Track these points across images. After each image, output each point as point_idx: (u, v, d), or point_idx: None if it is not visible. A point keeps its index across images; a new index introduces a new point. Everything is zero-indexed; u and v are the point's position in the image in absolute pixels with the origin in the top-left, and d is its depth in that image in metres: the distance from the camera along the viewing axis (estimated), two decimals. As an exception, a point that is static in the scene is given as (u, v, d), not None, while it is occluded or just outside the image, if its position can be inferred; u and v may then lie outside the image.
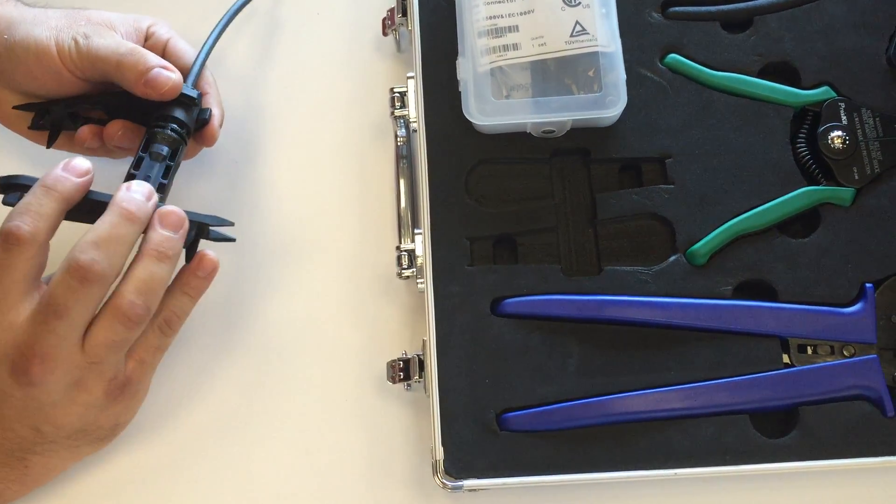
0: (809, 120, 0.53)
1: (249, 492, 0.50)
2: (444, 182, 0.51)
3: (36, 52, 0.47)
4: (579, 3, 0.51)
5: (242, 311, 0.53)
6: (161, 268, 0.43)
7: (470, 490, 0.47)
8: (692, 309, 0.49)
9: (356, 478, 0.50)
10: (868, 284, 0.50)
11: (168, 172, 0.48)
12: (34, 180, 0.44)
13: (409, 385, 0.50)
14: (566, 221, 0.52)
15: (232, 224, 0.49)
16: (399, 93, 0.54)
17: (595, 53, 0.51)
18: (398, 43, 0.57)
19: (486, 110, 0.50)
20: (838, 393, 0.48)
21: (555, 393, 0.48)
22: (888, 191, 0.51)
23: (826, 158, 0.51)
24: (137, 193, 0.44)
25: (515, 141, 0.52)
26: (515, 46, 0.51)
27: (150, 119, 0.49)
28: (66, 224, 0.44)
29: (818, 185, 0.51)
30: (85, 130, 0.50)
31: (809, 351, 0.49)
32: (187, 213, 0.46)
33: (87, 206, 0.44)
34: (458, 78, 0.51)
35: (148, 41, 0.51)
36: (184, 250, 0.47)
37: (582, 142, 0.52)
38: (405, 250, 0.51)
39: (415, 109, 0.53)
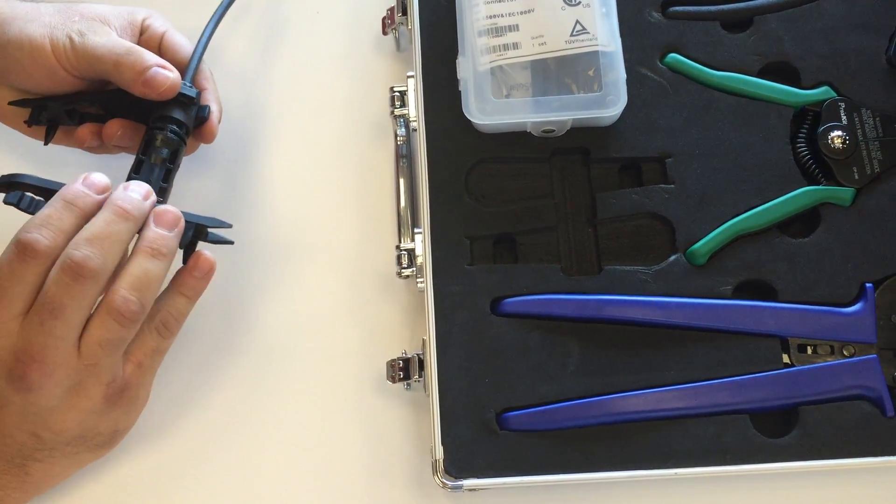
0: (809, 120, 0.53)
1: (250, 492, 0.49)
2: (443, 181, 0.51)
3: (30, 51, 0.47)
4: (579, 2, 0.51)
5: (241, 310, 0.53)
6: (155, 265, 0.43)
7: (470, 489, 0.47)
8: (692, 308, 0.49)
9: (356, 477, 0.50)
10: (868, 284, 0.50)
11: (168, 175, 0.48)
12: (35, 179, 0.44)
13: (408, 384, 0.49)
14: (566, 221, 0.52)
15: (230, 226, 0.49)
16: (399, 92, 0.54)
17: (595, 53, 0.51)
18: (398, 42, 0.57)
19: (486, 109, 0.50)
20: (838, 393, 0.48)
21: (555, 392, 0.48)
22: (888, 190, 0.51)
23: (826, 158, 0.51)
24: (134, 192, 0.44)
25: (515, 140, 0.52)
26: (515, 45, 0.51)
27: (149, 118, 0.49)
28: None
29: (818, 184, 0.51)
30: (84, 131, 0.50)
31: (809, 351, 0.49)
32: (185, 214, 0.46)
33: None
34: (458, 77, 0.51)
35: (143, 35, 0.50)
36: (181, 252, 0.47)
37: (582, 141, 0.52)
38: (405, 249, 0.51)
39: (415, 108, 0.53)
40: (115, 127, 0.49)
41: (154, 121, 0.48)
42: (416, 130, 0.53)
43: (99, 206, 0.43)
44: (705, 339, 0.49)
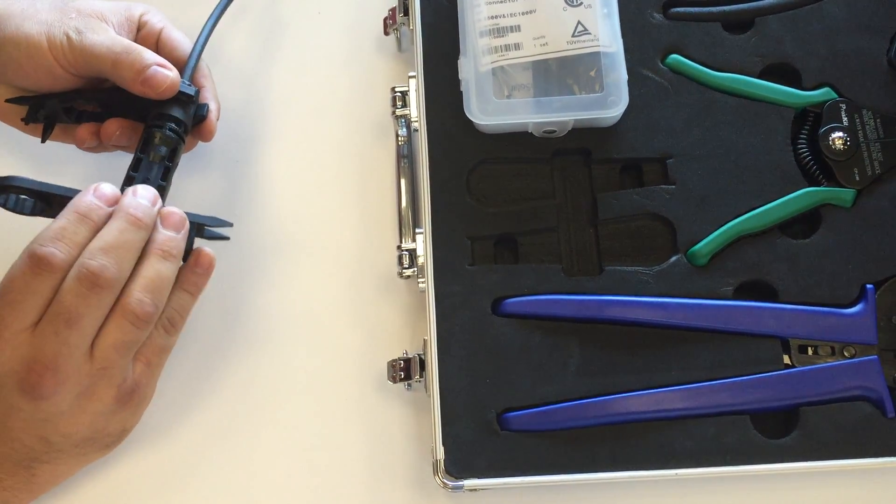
0: (810, 121, 0.53)
1: (250, 491, 0.49)
2: (445, 181, 0.51)
3: (27, 49, 0.46)
4: (581, 3, 0.51)
5: (243, 310, 0.53)
6: (166, 266, 0.44)
7: (470, 490, 0.47)
8: (693, 309, 0.49)
9: (357, 477, 0.50)
10: (869, 285, 0.50)
11: (167, 174, 0.48)
12: (28, 182, 0.44)
13: (409, 385, 0.49)
14: (567, 221, 0.52)
15: (230, 225, 0.49)
16: (400, 92, 0.54)
17: (597, 53, 0.51)
18: (399, 42, 0.57)
19: (487, 110, 0.50)
20: (839, 394, 0.48)
21: (555, 393, 0.48)
22: (889, 192, 0.51)
23: (827, 159, 0.51)
24: (143, 199, 0.44)
25: (517, 141, 0.52)
26: (517, 46, 0.51)
27: (148, 116, 0.48)
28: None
29: (819, 185, 0.51)
30: (83, 131, 0.50)
31: (810, 351, 0.49)
32: (186, 213, 0.46)
33: (56, 202, 0.44)
34: (460, 77, 0.51)
35: (141, 31, 0.50)
36: None
37: (583, 142, 0.52)
38: (406, 250, 0.51)
39: (416, 109, 0.53)
40: (113, 126, 0.49)
41: (152, 119, 0.48)
42: (417, 131, 0.53)
43: (109, 217, 0.43)
44: (706, 339, 0.49)
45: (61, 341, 0.41)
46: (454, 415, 0.47)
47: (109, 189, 0.44)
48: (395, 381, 0.49)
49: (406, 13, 0.55)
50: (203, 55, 0.51)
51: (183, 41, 0.51)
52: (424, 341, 0.49)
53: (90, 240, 0.42)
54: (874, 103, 0.52)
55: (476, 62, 0.51)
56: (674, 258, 0.50)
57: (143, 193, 0.44)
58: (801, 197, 0.51)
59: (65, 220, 0.42)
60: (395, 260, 0.51)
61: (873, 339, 0.49)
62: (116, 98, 0.49)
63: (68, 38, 0.47)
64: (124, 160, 0.48)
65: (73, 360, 0.41)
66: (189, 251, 0.47)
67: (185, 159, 0.51)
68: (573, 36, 0.51)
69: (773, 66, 0.54)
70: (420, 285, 0.50)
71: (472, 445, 0.47)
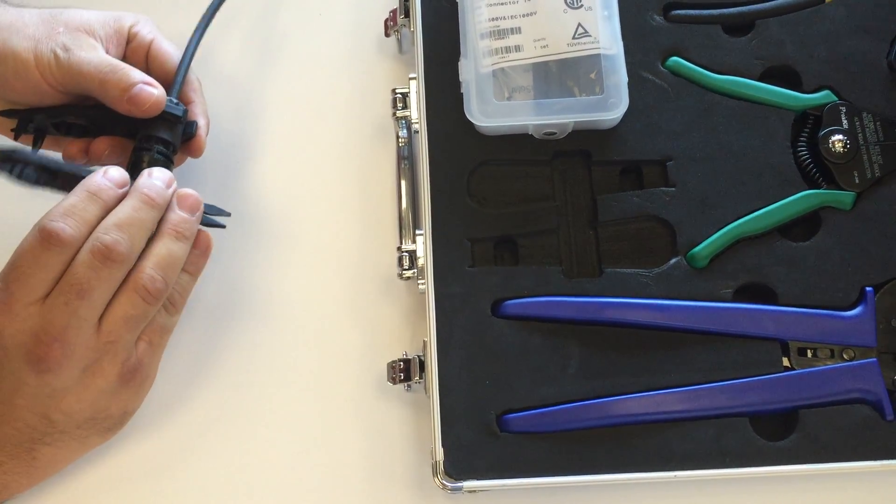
0: (810, 123, 0.53)
1: (249, 492, 0.50)
2: (445, 183, 0.51)
3: (14, 66, 0.46)
4: (581, 5, 0.52)
5: (243, 310, 0.53)
6: (179, 246, 0.45)
7: (469, 491, 0.47)
8: (692, 311, 0.49)
9: (356, 478, 0.50)
10: (868, 288, 0.50)
11: None
12: (34, 156, 0.45)
13: (409, 386, 0.50)
14: (567, 223, 0.52)
15: (228, 214, 0.50)
16: (401, 94, 0.54)
17: (597, 56, 0.51)
18: (400, 44, 0.57)
19: (487, 112, 0.50)
20: (838, 396, 0.48)
21: (555, 394, 0.48)
22: (889, 195, 0.51)
23: (827, 162, 0.51)
24: (158, 180, 0.45)
25: (517, 142, 0.52)
26: (517, 48, 0.51)
27: (136, 133, 0.48)
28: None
29: (819, 188, 0.51)
30: (72, 148, 0.49)
31: (809, 354, 0.49)
32: None
33: (70, 179, 0.45)
34: (461, 79, 0.52)
35: (131, 44, 0.50)
36: None
37: (583, 144, 0.52)
38: (406, 251, 0.51)
39: (417, 110, 0.53)
40: (102, 146, 0.49)
41: (140, 140, 0.48)
42: (417, 132, 0.53)
43: (119, 199, 0.44)
44: (705, 342, 0.49)
45: (71, 312, 0.41)
46: (454, 416, 0.47)
47: (119, 173, 0.45)
48: (394, 383, 0.49)
49: (407, 15, 0.55)
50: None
51: (174, 54, 0.50)
52: (424, 342, 0.49)
53: (99, 217, 0.43)
54: (874, 106, 0.53)
55: (476, 64, 0.51)
56: (673, 260, 0.50)
57: (159, 175, 0.45)
58: (801, 199, 0.51)
59: (75, 198, 0.43)
60: (395, 261, 0.51)
61: (872, 342, 0.49)
62: (104, 114, 0.49)
63: (56, 56, 0.46)
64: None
65: (81, 332, 0.42)
66: None
67: (185, 163, 0.52)
68: (573, 38, 0.51)
69: (774, 69, 0.54)
70: (420, 287, 0.50)
71: (471, 447, 0.47)
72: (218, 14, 0.53)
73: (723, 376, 0.48)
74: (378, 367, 0.51)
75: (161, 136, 0.48)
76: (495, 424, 0.48)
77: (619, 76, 0.51)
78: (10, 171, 0.45)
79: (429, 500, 0.49)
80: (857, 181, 0.51)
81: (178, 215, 0.45)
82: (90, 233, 0.43)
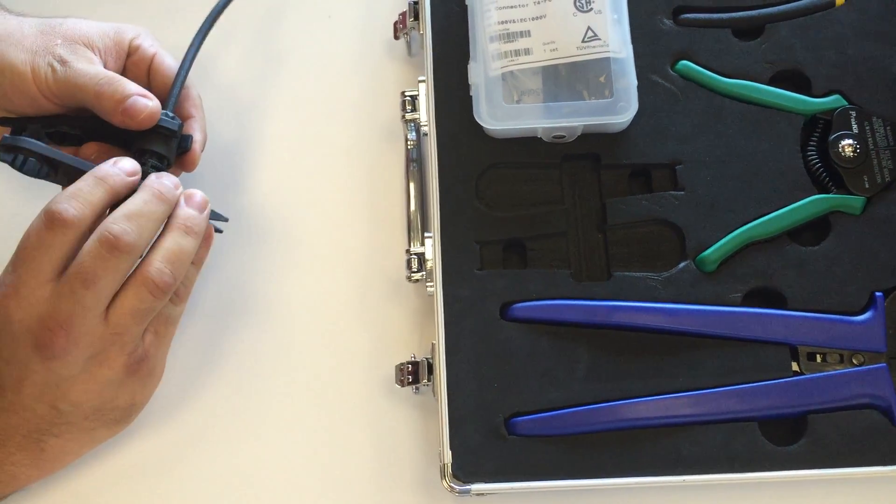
0: (820, 128, 0.53)
1: (256, 493, 0.50)
2: (454, 186, 0.51)
3: (11, 78, 0.46)
4: (591, 8, 0.52)
5: (251, 312, 0.53)
6: (188, 241, 0.45)
7: (477, 494, 0.47)
8: (701, 315, 0.49)
9: (363, 480, 0.50)
10: (878, 293, 0.49)
11: None
12: (38, 146, 0.45)
13: (417, 388, 0.50)
14: (576, 226, 0.52)
15: (227, 220, 0.50)
16: (410, 96, 0.54)
17: (606, 59, 0.51)
18: (409, 46, 0.58)
19: (497, 115, 0.51)
20: (847, 402, 0.48)
21: (563, 398, 0.48)
22: (898, 199, 0.51)
23: (837, 167, 0.51)
24: (167, 180, 0.46)
25: (526, 145, 0.52)
26: (527, 51, 0.51)
27: (130, 145, 0.48)
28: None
29: (829, 193, 0.51)
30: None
31: (819, 359, 0.49)
32: None
33: (71, 172, 0.45)
34: (470, 82, 0.52)
35: (132, 57, 0.50)
36: None
37: (592, 147, 0.52)
38: (415, 253, 0.51)
39: (426, 113, 0.53)
40: (91, 150, 0.49)
41: (135, 153, 0.48)
42: (426, 135, 0.53)
43: (128, 188, 0.45)
44: (714, 346, 0.49)
45: (77, 301, 0.42)
46: (462, 419, 0.47)
47: (130, 163, 0.45)
48: (402, 385, 0.49)
49: (417, 18, 0.55)
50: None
51: (175, 68, 0.50)
52: (432, 345, 0.49)
53: (105, 202, 0.43)
54: (884, 111, 0.52)
55: (486, 67, 0.51)
56: (682, 264, 0.50)
57: (167, 177, 0.46)
58: (811, 204, 0.51)
59: (82, 182, 0.43)
60: (404, 263, 0.51)
61: (882, 347, 0.49)
62: (99, 125, 0.48)
63: (52, 68, 0.46)
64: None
65: (86, 321, 0.42)
66: None
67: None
68: (583, 41, 0.51)
69: (783, 73, 0.54)
70: (428, 289, 0.50)
71: (479, 449, 0.47)
72: (228, 18, 0.53)
73: (732, 380, 0.48)
74: (386, 369, 0.51)
75: (155, 149, 0.48)
76: (503, 427, 0.47)
77: (628, 80, 0.51)
78: (13, 161, 0.45)
79: (436, 503, 0.49)
80: (867, 186, 0.51)
81: (186, 211, 0.46)
82: (95, 217, 0.43)
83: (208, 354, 0.52)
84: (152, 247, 0.44)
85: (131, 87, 0.47)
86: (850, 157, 0.51)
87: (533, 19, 0.52)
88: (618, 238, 0.52)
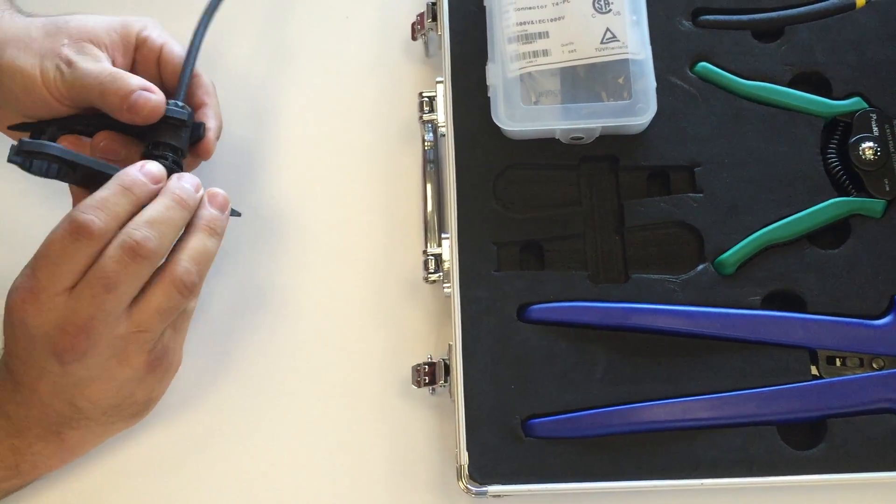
0: (840, 130, 0.52)
1: (271, 492, 0.50)
2: (471, 187, 0.51)
3: (22, 82, 0.46)
4: (610, 10, 0.51)
5: (267, 312, 0.53)
6: (212, 242, 0.45)
7: (494, 496, 0.47)
8: (720, 318, 0.49)
9: (379, 481, 0.50)
10: (898, 297, 0.49)
11: None
12: (61, 150, 0.44)
13: (433, 389, 0.49)
14: (594, 228, 0.52)
15: (240, 214, 0.50)
16: (428, 97, 0.54)
17: (625, 61, 0.51)
18: (427, 47, 0.58)
19: (515, 116, 0.50)
20: (867, 406, 0.48)
21: (580, 400, 0.48)
22: (920, 203, 0.51)
23: (857, 169, 0.51)
24: (188, 184, 0.46)
25: (544, 147, 0.52)
26: (545, 52, 0.51)
27: (145, 140, 0.48)
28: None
29: (849, 196, 0.51)
30: (69, 140, 0.49)
31: (838, 363, 0.49)
32: None
33: (95, 176, 0.45)
34: (488, 83, 0.52)
35: (140, 50, 0.49)
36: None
37: (610, 149, 0.52)
38: (431, 254, 0.51)
39: (444, 114, 0.53)
40: (100, 138, 0.49)
41: (148, 147, 0.47)
42: (444, 136, 0.53)
43: (152, 195, 0.44)
44: (733, 349, 0.49)
45: (97, 305, 0.42)
46: (478, 420, 0.47)
47: (157, 168, 0.45)
48: (419, 386, 0.49)
49: (434, 19, 0.55)
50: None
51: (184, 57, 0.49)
52: (449, 346, 0.49)
53: (130, 213, 0.43)
54: (905, 113, 0.52)
55: (504, 68, 0.51)
56: (701, 267, 0.50)
57: (188, 179, 0.46)
58: (831, 207, 0.51)
59: (108, 191, 0.43)
60: (421, 264, 0.51)
61: (902, 352, 0.49)
62: (111, 123, 0.48)
63: (60, 72, 0.46)
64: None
65: (107, 324, 0.42)
66: None
67: (212, 161, 0.52)
68: (602, 43, 0.51)
69: (803, 75, 0.53)
70: (445, 290, 0.50)
71: (496, 451, 0.47)
72: (244, 18, 0.53)
73: (750, 384, 0.48)
74: (402, 370, 0.51)
75: (167, 141, 0.47)
76: (520, 429, 0.47)
77: (647, 81, 0.50)
78: (24, 163, 0.44)
79: (452, 505, 0.49)
80: (887, 189, 0.51)
81: (210, 212, 0.46)
82: (119, 227, 0.43)
83: (224, 353, 0.52)
84: (177, 246, 0.45)
85: (134, 81, 0.46)
86: (870, 159, 0.51)
87: (551, 20, 0.52)
88: (636, 240, 0.51)
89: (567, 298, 0.49)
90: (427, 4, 0.56)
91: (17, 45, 0.47)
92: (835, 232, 0.51)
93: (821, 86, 0.53)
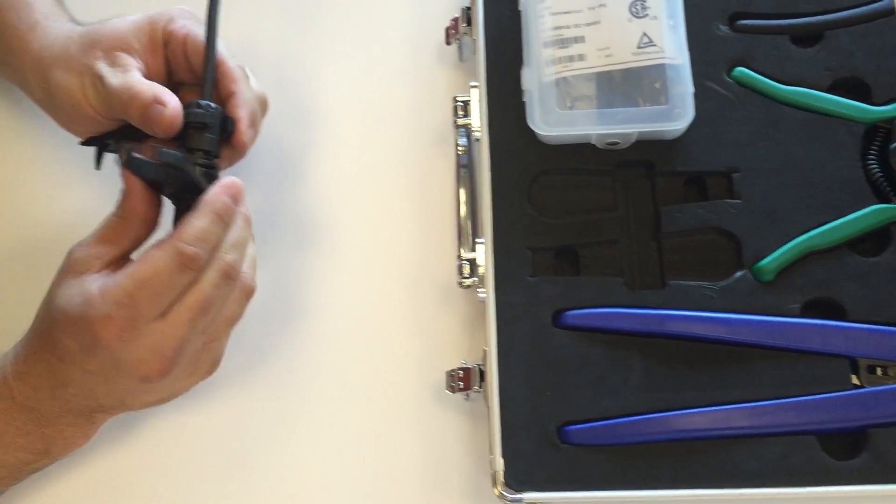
0: (881, 136, 0.52)
1: (304, 497, 0.49)
2: (506, 192, 0.51)
3: (70, 103, 0.47)
4: (647, 14, 0.51)
5: (300, 316, 0.53)
6: (253, 247, 0.47)
7: (529, 503, 0.46)
8: (758, 326, 0.48)
9: (412, 487, 0.49)
10: (941, 305, 0.48)
11: None
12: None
13: (468, 395, 0.49)
14: (629, 234, 0.51)
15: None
16: (462, 102, 0.54)
17: (662, 65, 0.50)
18: (461, 52, 0.57)
19: (550, 121, 0.50)
20: (909, 416, 0.47)
21: (616, 407, 0.47)
22: (962, 210, 0.50)
23: (898, 176, 0.50)
24: (243, 207, 0.45)
25: (579, 152, 0.52)
26: (581, 57, 0.51)
27: (180, 146, 0.46)
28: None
29: (890, 202, 0.50)
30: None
31: (879, 372, 0.48)
32: None
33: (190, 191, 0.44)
34: (523, 88, 0.51)
35: (168, 46, 0.48)
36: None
37: (647, 154, 0.52)
38: (466, 259, 0.51)
39: (478, 119, 0.53)
40: (146, 146, 0.47)
41: (185, 153, 0.45)
42: (478, 140, 0.53)
43: (236, 216, 0.45)
44: (772, 357, 0.48)
45: (192, 326, 0.42)
46: (513, 427, 0.47)
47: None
48: (453, 391, 0.49)
49: (469, 23, 0.55)
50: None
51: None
52: (484, 352, 0.49)
53: (223, 239, 0.44)
54: (947, 119, 0.51)
55: (539, 73, 0.51)
56: (739, 273, 0.50)
57: (240, 195, 0.45)
58: (871, 214, 0.50)
59: (207, 222, 0.43)
60: (454, 269, 0.51)
61: (946, 361, 0.48)
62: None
63: (95, 88, 0.46)
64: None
65: (192, 344, 0.43)
66: None
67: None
68: (638, 47, 0.51)
69: (843, 81, 0.53)
70: (480, 295, 0.50)
71: (531, 458, 0.47)
72: (279, 21, 0.52)
73: (790, 393, 0.47)
74: (436, 375, 0.51)
75: (195, 147, 0.45)
76: (556, 436, 0.47)
77: (684, 86, 0.50)
78: (129, 165, 0.43)
79: (486, 511, 0.49)
80: (929, 195, 0.50)
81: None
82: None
83: (256, 358, 0.52)
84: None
85: (146, 94, 0.45)
86: (911, 166, 0.50)
87: (587, 25, 0.51)
88: (672, 246, 0.51)
89: (603, 304, 0.49)
90: (462, 9, 0.56)
91: (61, 65, 0.47)
92: (875, 239, 0.50)
93: (860, 91, 0.53)
